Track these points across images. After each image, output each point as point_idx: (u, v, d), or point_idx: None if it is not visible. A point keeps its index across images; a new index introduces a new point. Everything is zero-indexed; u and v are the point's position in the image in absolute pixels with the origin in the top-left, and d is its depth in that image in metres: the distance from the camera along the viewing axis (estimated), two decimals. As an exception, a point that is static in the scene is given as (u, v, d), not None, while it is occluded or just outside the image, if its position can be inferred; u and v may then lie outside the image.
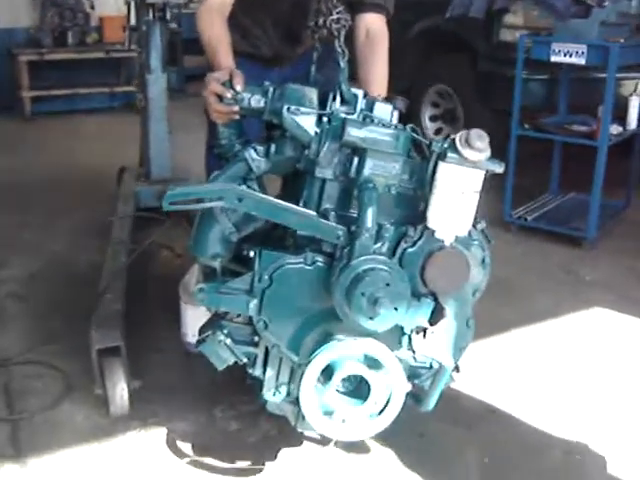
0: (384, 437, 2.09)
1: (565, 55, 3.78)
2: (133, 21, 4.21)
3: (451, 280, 1.73)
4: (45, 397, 2.50)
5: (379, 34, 2.32)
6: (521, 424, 2.39)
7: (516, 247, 3.93)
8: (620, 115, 4.11)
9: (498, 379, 2.64)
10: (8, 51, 6.82)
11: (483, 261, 1.80)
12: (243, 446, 2.24)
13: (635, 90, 4.25)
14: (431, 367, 1.85)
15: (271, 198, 1.71)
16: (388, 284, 1.61)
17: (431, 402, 1.84)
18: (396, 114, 1.90)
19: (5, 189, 4.76)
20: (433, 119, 5.41)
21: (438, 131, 5.39)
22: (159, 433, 2.30)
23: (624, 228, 4.23)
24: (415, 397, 1.90)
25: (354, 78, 2.36)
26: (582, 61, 3.75)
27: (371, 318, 1.61)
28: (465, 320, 1.82)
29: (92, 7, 7.09)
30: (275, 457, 2.15)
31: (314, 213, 1.69)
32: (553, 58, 3.82)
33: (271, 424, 2.29)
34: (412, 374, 1.90)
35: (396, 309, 1.61)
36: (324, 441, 2.17)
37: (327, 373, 1.67)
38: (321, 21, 2.02)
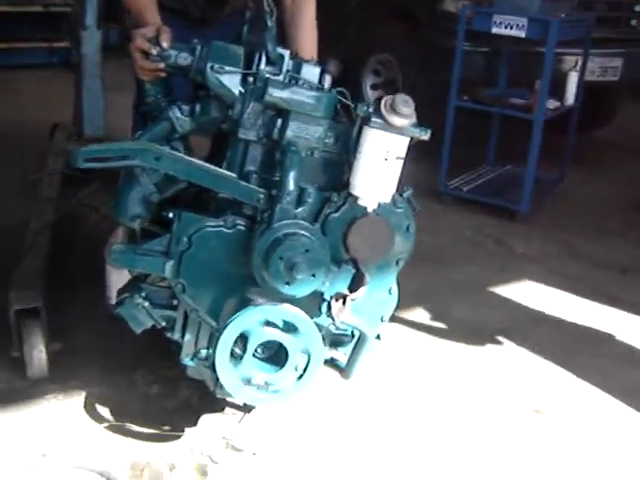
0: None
1: (506, 27, 3.79)
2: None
3: (374, 248, 1.71)
4: (-41, 359, 2.43)
5: None
6: (446, 395, 2.42)
7: (449, 217, 3.96)
8: (560, 91, 4.15)
9: (421, 351, 2.65)
10: (-63, 1, 6.54)
11: (407, 229, 1.78)
12: (163, 411, 2.21)
13: (575, 66, 4.29)
14: (353, 335, 1.84)
15: (190, 158, 1.67)
16: (307, 250, 1.58)
17: (352, 371, 1.84)
18: (329, 78, 1.86)
19: None
20: (374, 87, 5.36)
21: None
22: (78, 397, 2.25)
23: (558, 203, 4.29)
24: (337, 365, 1.90)
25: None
26: (522, 34, 3.76)
27: (288, 283, 1.58)
28: (388, 288, 1.81)
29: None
30: (195, 424, 2.13)
31: (234, 175, 1.65)
32: (494, 30, 3.83)
33: (192, 390, 2.26)
34: (334, 342, 1.88)
35: (314, 275, 1.58)
36: (245, 408, 2.15)
37: (245, 338, 1.64)
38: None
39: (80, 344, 2.50)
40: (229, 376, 1.64)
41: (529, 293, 3.18)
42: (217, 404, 2.18)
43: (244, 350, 1.62)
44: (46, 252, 2.69)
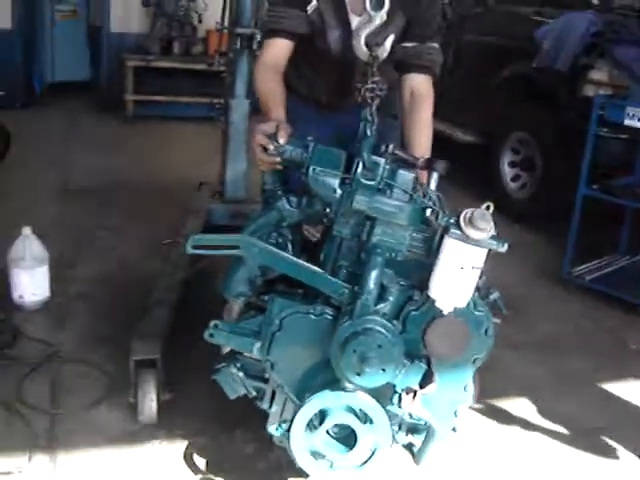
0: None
1: (639, 120, 3.77)
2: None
3: (450, 347, 1.81)
4: (87, 396, 2.71)
5: (424, 95, 2.40)
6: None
7: (569, 306, 3.93)
8: None
9: (513, 442, 2.69)
10: (117, 55, 7.23)
11: (486, 332, 1.87)
12: (253, 470, 2.38)
13: None
14: (427, 424, 1.94)
15: (283, 253, 1.86)
16: (380, 346, 1.72)
17: (422, 458, 1.94)
18: (436, 176, 1.99)
19: (93, 190, 5.09)
20: (512, 165, 5.42)
21: (516, 178, 5.40)
22: (181, 445, 2.47)
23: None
24: (412, 451, 2.01)
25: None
26: (655, 128, 3.74)
27: (358, 374, 1.72)
28: (463, 385, 1.91)
29: (200, 20, 7.45)
30: (279, 486, 2.29)
31: (321, 270, 1.83)
32: (627, 122, 3.82)
33: (284, 452, 2.41)
34: (411, 429, 2.00)
35: (384, 370, 1.72)
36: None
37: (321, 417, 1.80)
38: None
39: (190, 396, 2.72)
40: (300, 449, 1.80)
41: (635, 392, 3.12)
42: (302, 471, 2.33)
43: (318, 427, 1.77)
44: (172, 308, 2.95)
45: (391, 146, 1.99)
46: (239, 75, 4.13)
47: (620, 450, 2.70)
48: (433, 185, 1.98)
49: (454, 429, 1.98)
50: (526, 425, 2.80)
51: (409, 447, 2.04)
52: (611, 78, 4.49)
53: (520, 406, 2.91)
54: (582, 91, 4.63)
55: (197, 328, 3.12)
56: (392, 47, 2.31)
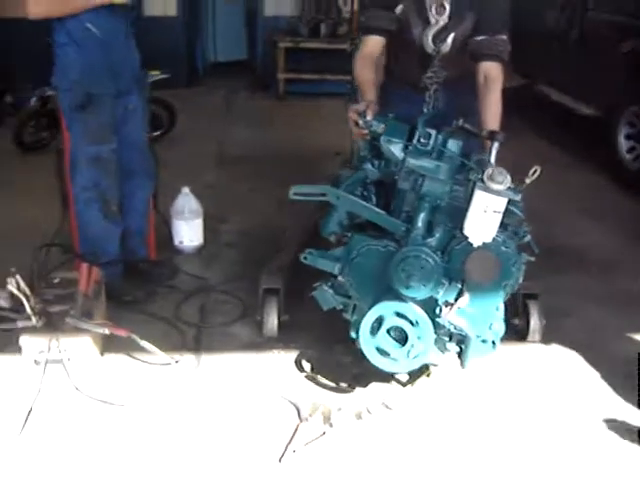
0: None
1: None
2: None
3: (483, 274, 2.38)
4: (225, 317, 3.49)
5: (494, 79, 2.93)
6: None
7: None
8: None
9: (568, 372, 3.18)
10: (270, 37, 8.04)
11: (513, 264, 2.42)
12: (348, 374, 3.02)
13: None
14: (467, 335, 2.52)
15: (358, 200, 2.51)
16: (422, 267, 2.33)
17: (464, 363, 2.54)
18: (496, 145, 2.55)
19: (245, 159, 5.90)
20: (627, 137, 5.71)
21: (631, 149, 5.69)
22: (294, 354, 3.17)
23: None
24: (459, 357, 2.60)
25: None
26: None
27: (406, 288, 2.34)
28: (495, 306, 2.47)
29: (345, 2, 8.10)
30: (366, 385, 2.93)
31: (384, 212, 2.45)
32: None
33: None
34: (459, 340, 2.58)
35: (424, 285, 2.33)
36: (403, 382, 2.90)
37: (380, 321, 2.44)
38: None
39: (304, 318, 3.37)
40: (367, 343, 2.46)
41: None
42: (386, 376, 2.95)
43: (379, 328, 2.42)
44: (293, 250, 3.63)
45: (461, 120, 2.57)
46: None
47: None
48: (494, 152, 2.53)
49: (494, 343, 2.54)
50: (583, 362, 3.22)
51: (459, 355, 2.63)
52: None
53: (581, 345, 3.33)
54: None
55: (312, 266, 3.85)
56: (461, 42, 2.87)
